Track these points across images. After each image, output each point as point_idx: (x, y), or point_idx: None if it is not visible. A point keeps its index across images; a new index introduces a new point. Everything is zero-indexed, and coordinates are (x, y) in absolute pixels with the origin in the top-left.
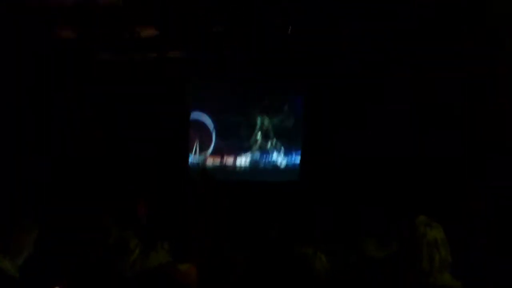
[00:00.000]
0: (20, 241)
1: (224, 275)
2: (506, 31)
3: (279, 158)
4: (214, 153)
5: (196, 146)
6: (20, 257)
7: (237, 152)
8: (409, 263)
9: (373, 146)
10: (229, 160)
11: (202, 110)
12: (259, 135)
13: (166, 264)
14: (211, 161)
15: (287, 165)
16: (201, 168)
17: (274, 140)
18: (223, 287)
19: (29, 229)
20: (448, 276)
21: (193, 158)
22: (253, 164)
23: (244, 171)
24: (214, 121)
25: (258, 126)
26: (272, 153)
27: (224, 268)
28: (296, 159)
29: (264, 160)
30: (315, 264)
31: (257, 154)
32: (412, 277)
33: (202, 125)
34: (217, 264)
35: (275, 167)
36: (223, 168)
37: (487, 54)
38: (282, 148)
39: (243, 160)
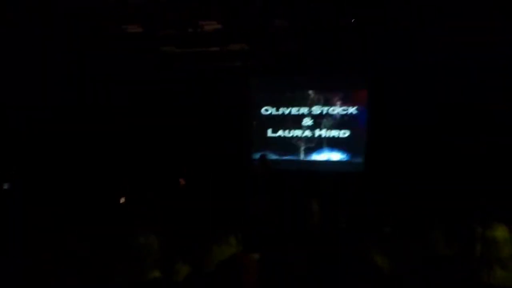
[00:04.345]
0: None
1: (287, 265)
2: None
3: (343, 149)
4: (276, 144)
5: (258, 135)
6: None
7: (300, 144)
8: (467, 260)
9: (442, 138)
10: (292, 152)
11: (265, 103)
12: (322, 127)
13: (239, 255)
14: (274, 152)
15: (351, 156)
16: (261, 156)
17: (338, 131)
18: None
19: None
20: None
21: (255, 150)
22: (317, 155)
23: (307, 162)
24: (277, 113)
25: (321, 118)
26: (336, 144)
27: (287, 258)
28: (361, 150)
29: (327, 152)
30: (379, 262)
31: (320, 145)
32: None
33: (265, 118)
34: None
35: (339, 157)
36: (286, 159)
37: None
38: (346, 139)
39: (306, 152)
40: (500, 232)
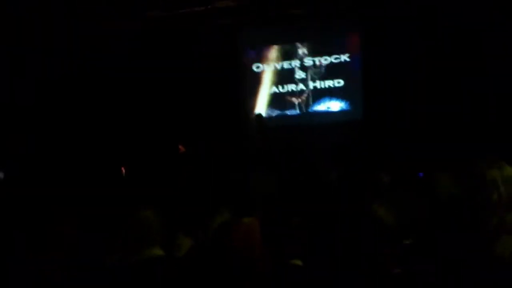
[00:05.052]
0: None
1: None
2: None
3: (339, 99)
4: (272, 101)
5: (252, 94)
6: None
7: (296, 98)
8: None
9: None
10: (286, 105)
11: (256, 59)
12: (315, 78)
13: (229, 220)
14: (269, 107)
15: (349, 105)
16: (256, 115)
17: (332, 81)
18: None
19: None
20: None
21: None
22: (313, 107)
23: (305, 115)
24: (267, 69)
25: (314, 68)
26: (331, 94)
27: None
28: (358, 99)
29: (323, 103)
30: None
31: (316, 97)
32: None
33: (256, 74)
34: (278, 217)
35: (337, 108)
36: (283, 114)
37: None
38: (341, 88)
39: (302, 105)
40: (494, 171)
